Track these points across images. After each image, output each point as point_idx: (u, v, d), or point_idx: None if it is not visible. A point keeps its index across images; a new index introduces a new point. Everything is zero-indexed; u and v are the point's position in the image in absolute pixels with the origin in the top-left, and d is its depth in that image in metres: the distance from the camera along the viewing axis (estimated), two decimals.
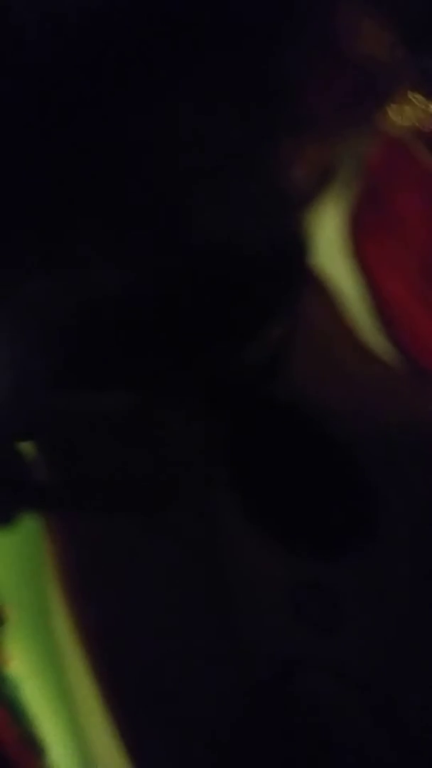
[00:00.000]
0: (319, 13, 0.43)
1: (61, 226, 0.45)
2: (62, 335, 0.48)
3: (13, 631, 0.55)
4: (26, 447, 0.54)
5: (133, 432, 0.54)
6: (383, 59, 0.46)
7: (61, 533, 0.54)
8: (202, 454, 0.54)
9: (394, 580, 0.53)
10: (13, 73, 0.41)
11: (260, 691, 0.52)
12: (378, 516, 0.53)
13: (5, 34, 0.40)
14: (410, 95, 0.53)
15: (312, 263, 0.55)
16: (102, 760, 0.53)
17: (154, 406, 0.53)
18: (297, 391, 0.56)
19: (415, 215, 0.60)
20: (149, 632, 0.53)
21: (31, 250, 0.45)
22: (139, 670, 0.52)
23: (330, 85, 0.46)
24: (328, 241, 0.57)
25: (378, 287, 0.60)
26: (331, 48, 0.44)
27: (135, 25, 0.41)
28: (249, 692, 0.52)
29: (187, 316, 0.50)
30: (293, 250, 0.53)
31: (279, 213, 0.50)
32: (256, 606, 0.52)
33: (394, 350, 0.59)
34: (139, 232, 0.46)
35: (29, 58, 0.41)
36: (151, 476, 0.54)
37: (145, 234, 0.46)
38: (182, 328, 0.50)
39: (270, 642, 0.52)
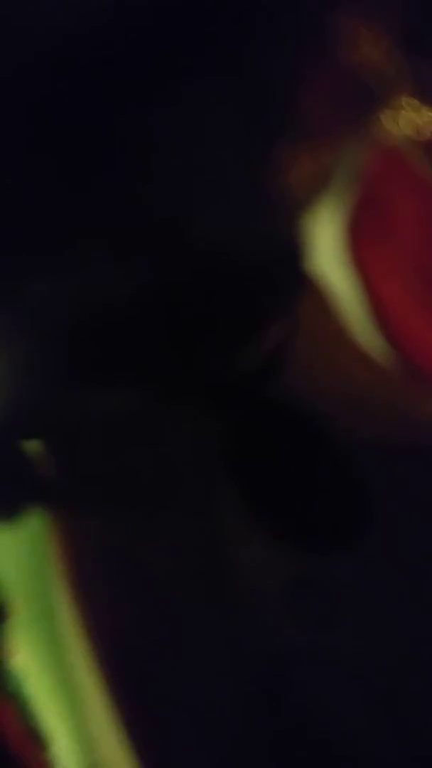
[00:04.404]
0: (316, 18, 0.43)
1: (64, 229, 0.45)
2: (65, 336, 0.49)
3: (18, 625, 0.55)
4: (30, 444, 0.54)
5: (135, 431, 0.54)
6: (379, 65, 0.47)
7: (66, 529, 0.54)
8: (202, 454, 0.55)
9: (390, 575, 0.53)
10: (18, 78, 0.41)
11: (258, 684, 0.52)
12: (374, 513, 0.54)
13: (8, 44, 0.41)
14: (406, 101, 0.53)
15: (309, 267, 0.55)
16: (106, 754, 0.53)
17: (155, 406, 0.53)
18: (294, 392, 0.56)
19: (411, 220, 0.61)
20: (150, 626, 0.53)
21: (34, 252, 0.46)
22: (141, 664, 0.53)
23: (326, 91, 0.46)
24: (325, 246, 0.57)
25: (374, 291, 0.60)
26: (327, 53, 0.45)
27: (134, 30, 0.42)
28: (247, 686, 0.52)
29: (187, 318, 0.50)
30: (290, 255, 0.53)
31: (276, 218, 0.50)
32: (254, 601, 0.53)
33: (390, 352, 0.59)
34: (140, 236, 0.46)
35: (33, 62, 0.41)
36: (152, 475, 0.55)
37: (145, 237, 0.46)
38: (182, 329, 0.51)
39: (268, 636, 0.52)
